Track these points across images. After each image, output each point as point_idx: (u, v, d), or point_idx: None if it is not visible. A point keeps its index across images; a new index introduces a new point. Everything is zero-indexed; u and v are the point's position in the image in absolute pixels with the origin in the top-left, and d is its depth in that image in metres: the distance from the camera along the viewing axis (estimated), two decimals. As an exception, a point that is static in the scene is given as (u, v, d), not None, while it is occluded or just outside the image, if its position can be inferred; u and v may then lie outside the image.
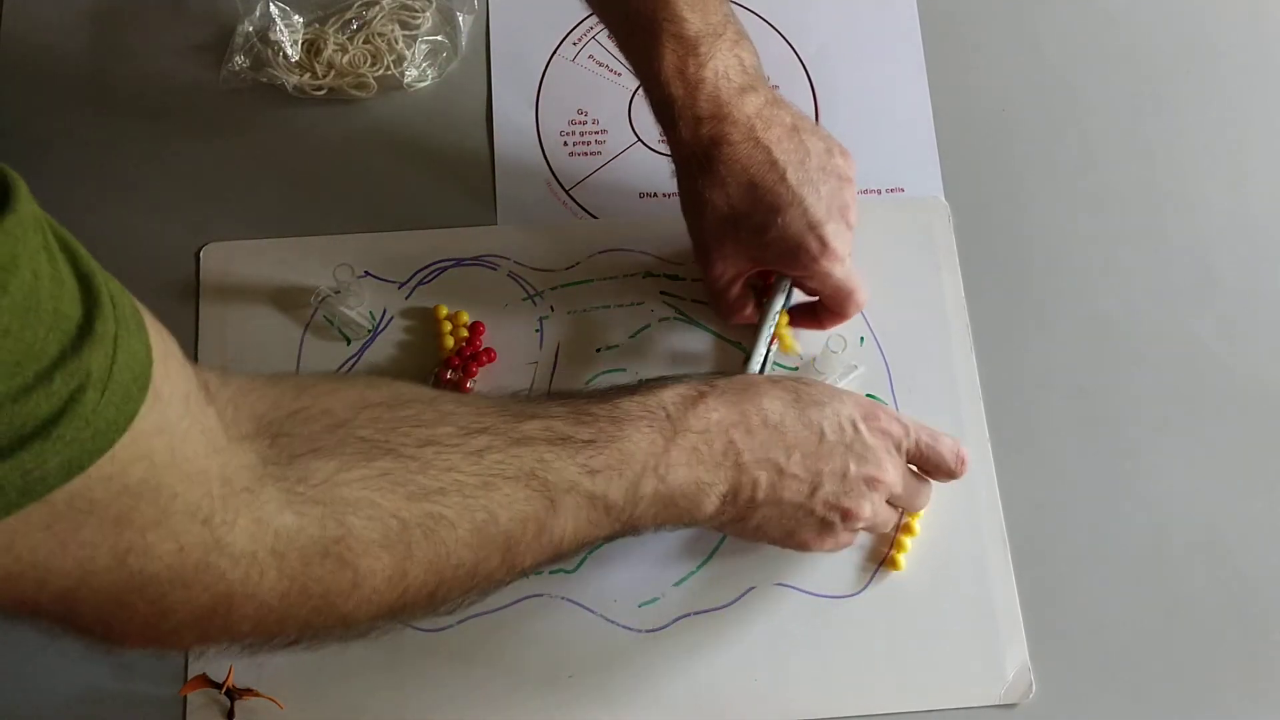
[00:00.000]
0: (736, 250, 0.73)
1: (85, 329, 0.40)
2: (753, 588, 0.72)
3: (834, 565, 0.73)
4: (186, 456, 0.45)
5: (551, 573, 0.72)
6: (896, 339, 0.79)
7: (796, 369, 0.78)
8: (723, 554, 0.73)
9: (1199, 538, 0.75)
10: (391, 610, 0.54)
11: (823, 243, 0.71)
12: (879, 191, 0.83)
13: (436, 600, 0.56)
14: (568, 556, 0.61)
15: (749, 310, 0.76)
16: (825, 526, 0.67)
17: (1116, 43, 0.88)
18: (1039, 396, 0.78)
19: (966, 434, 0.76)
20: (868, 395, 0.77)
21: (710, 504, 0.63)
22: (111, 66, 0.86)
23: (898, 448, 0.68)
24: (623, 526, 0.61)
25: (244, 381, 0.52)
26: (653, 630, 0.72)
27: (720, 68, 0.70)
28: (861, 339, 0.79)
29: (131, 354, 0.42)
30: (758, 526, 0.66)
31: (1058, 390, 0.78)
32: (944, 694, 0.71)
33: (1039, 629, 0.72)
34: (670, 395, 0.63)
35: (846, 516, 0.66)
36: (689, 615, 0.72)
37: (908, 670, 0.71)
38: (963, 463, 0.70)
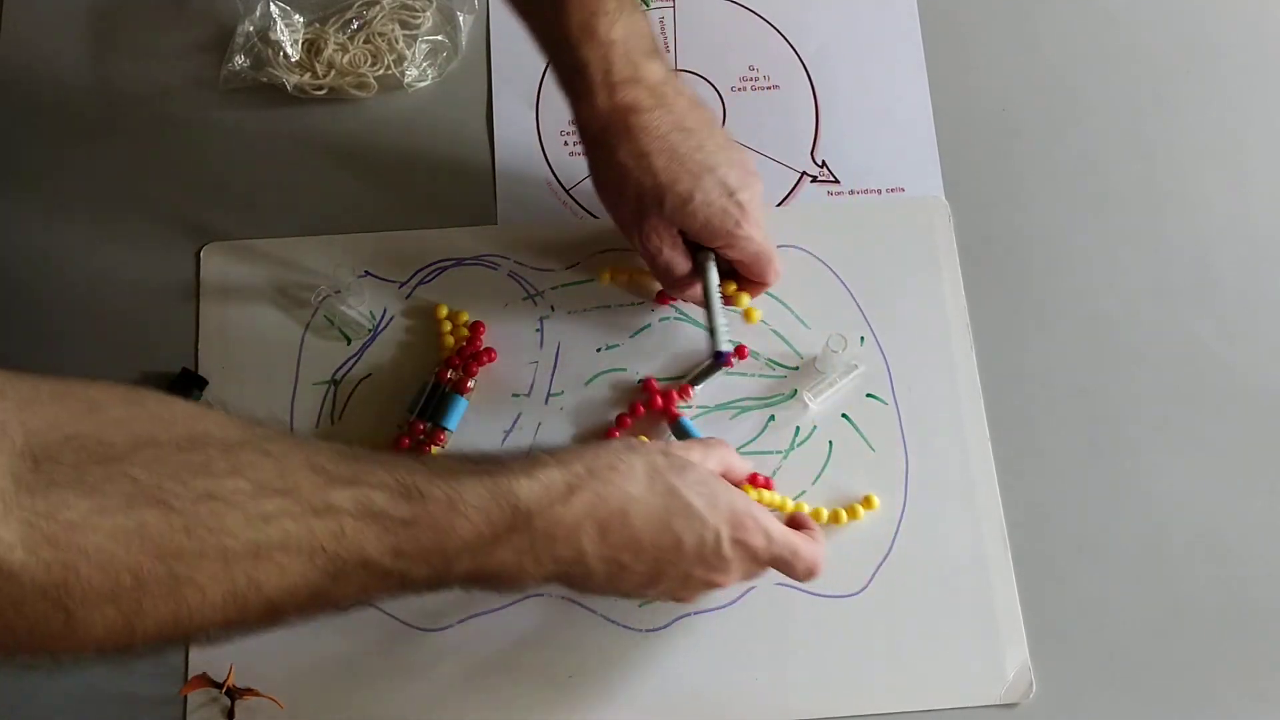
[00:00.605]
0: (661, 223, 0.72)
1: None
2: (753, 588, 0.72)
3: (834, 565, 0.73)
4: None
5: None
6: (896, 339, 0.79)
7: (797, 369, 0.78)
8: (723, 554, 0.73)
9: (1199, 538, 0.75)
10: (113, 655, 0.51)
11: (741, 208, 0.71)
12: (879, 191, 0.83)
13: (169, 647, 0.54)
14: (348, 612, 0.58)
15: (689, 280, 0.74)
16: (650, 600, 0.70)
17: (1117, 43, 0.88)
18: (1039, 396, 0.78)
19: (966, 434, 0.76)
20: (868, 395, 0.77)
21: (530, 584, 0.61)
22: (111, 66, 0.86)
23: (755, 561, 0.66)
24: (421, 593, 0.59)
25: (27, 390, 0.50)
26: (653, 630, 0.72)
27: (630, 28, 0.70)
28: (861, 339, 0.79)
29: None
30: (584, 593, 0.69)
31: (1058, 390, 0.78)
32: (944, 694, 0.71)
33: (1039, 629, 0.72)
34: (531, 487, 0.59)
35: (679, 601, 0.69)
36: (689, 615, 0.72)
37: (908, 670, 0.71)
38: (810, 575, 0.67)
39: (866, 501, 0.74)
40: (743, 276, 0.75)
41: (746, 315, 0.76)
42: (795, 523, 0.70)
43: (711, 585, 0.65)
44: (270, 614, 0.54)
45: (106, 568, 0.48)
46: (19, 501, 0.46)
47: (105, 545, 0.48)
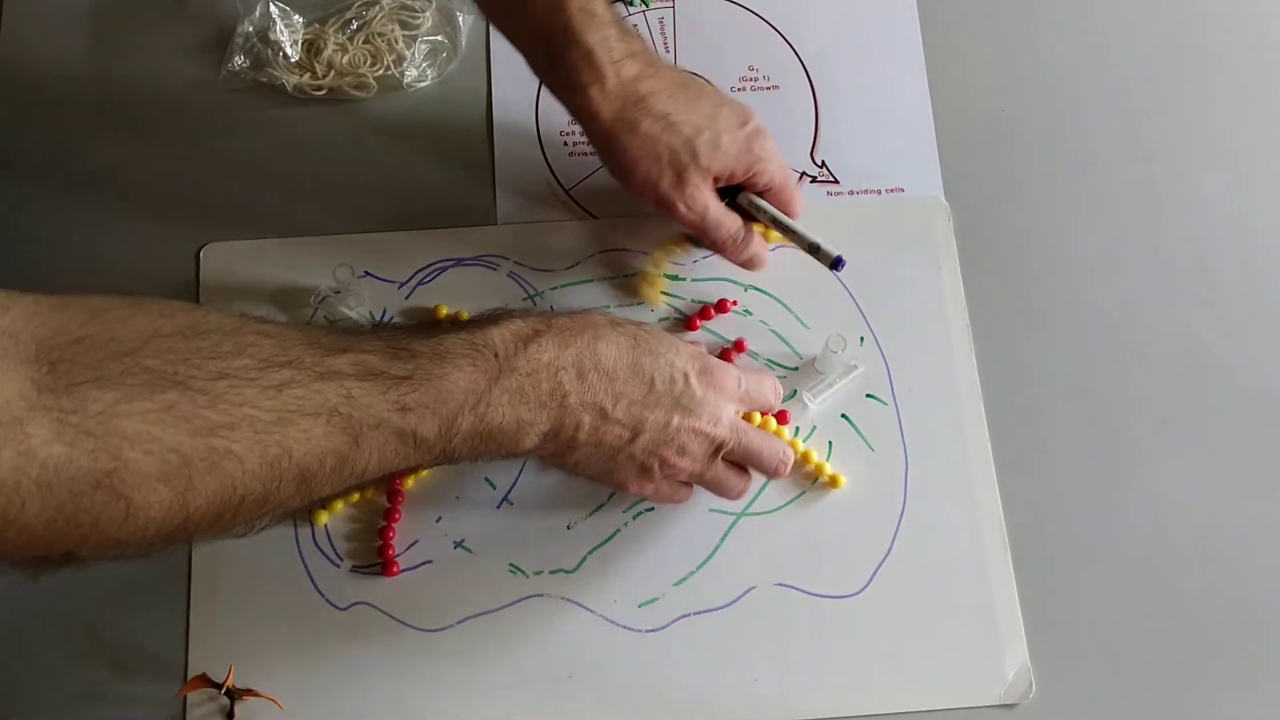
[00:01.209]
0: (699, 176, 0.73)
1: None
2: (753, 588, 0.73)
3: (835, 565, 0.73)
4: None
5: (552, 573, 0.73)
6: (896, 339, 0.79)
7: (797, 369, 0.78)
8: (723, 554, 0.73)
9: (1199, 538, 0.75)
10: (171, 535, 0.54)
11: (758, 132, 0.75)
12: (879, 191, 0.83)
13: (223, 524, 0.56)
14: (374, 483, 0.61)
15: (746, 229, 0.76)
16: (644, 471, 0.68)
17: (1116, 43, 0.88)
18: (1039, 396, 0.78)
19: (966, 434, 0.76)
20: (868, 396, 0.77)
21: (530, 441, 0.63)
22: (111, 66, 0.86)
23: (730, 400, 0.69)
24: (435, 459, 0.61)
25: (29, 304, 0.51)
26: (653, 630, 0.72)
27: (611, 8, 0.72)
28: (861, 339, 0.79)
29: None
30: (576, 463, 0.67)
31: (1058, 390, 0.78)
32: (944, 694, 0.71)
33: (1039, 629, 0.72)
34: (501, 333, 0.63)
35: (664, 465, 0.68)
36: (689, 615, 0.72)
37: (908, 670, 0.71)
38: (778, 396, 0.72)
39: (833, 480, 0.75)
40: (777, 201, 0.77)
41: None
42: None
43: (697, 436, 0.67)
44: (303, 483, 0.56)
45: (151, 449, 0.50)
46: (43, 403, 0.48)
47: (142, 429, 0.50)
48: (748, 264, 0.77)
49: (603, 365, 0.64)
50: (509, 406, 0.62)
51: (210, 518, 0.54)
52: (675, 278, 0.80)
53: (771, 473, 0.71)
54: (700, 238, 0.76)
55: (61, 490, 0.49)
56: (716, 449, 0.68)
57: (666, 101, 0.72)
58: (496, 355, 0.62)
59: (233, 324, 0.57)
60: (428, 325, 0.63)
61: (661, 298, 0.79)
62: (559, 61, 0.72)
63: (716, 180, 0.75)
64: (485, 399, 0.61)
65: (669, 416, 0.66)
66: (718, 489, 0.71)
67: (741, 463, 0.70)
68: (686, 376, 0.67)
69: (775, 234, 0.77)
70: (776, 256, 0.80)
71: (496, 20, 0.77)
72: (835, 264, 0.73)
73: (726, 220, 0.75)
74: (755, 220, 0.77)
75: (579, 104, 0.73)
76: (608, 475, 0.68)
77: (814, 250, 0.74)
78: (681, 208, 0.73)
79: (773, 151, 0.76)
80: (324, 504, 0.73)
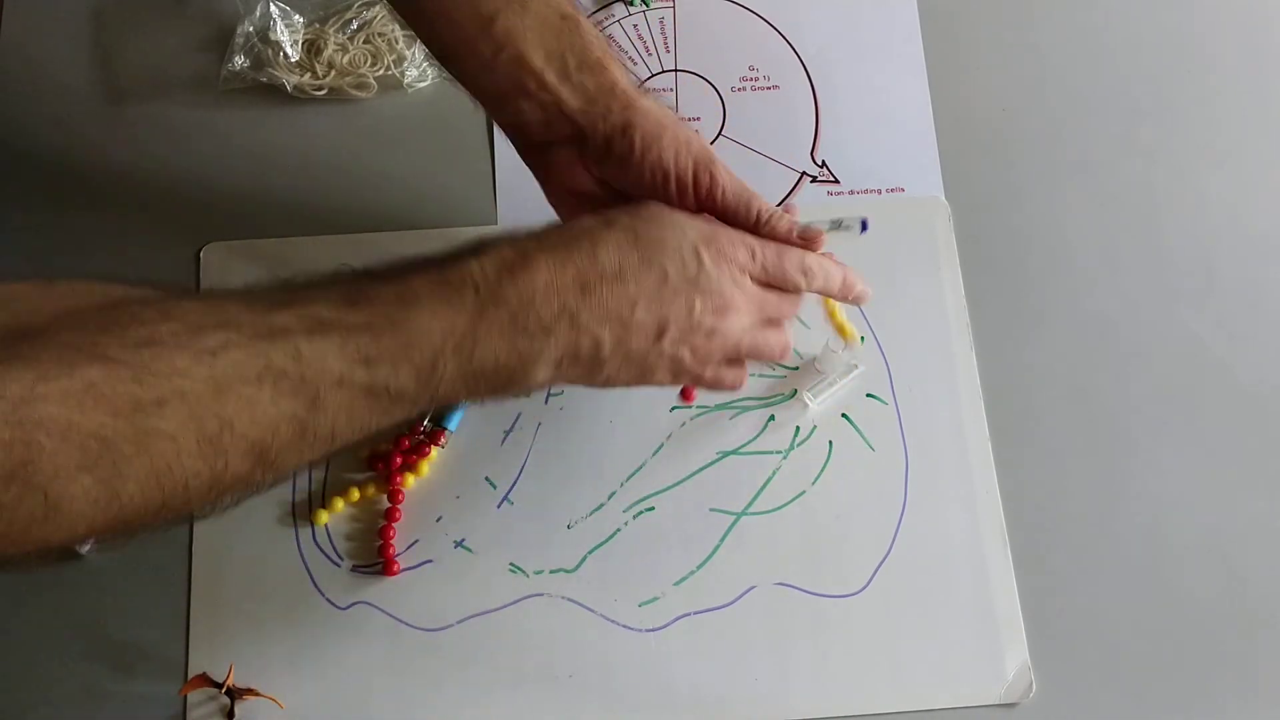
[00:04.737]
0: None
1: None
2: (753, 587, 0.73)
3: (834, 565, 0.73)
4: None
5: (552, 572, 0.72)
6: (896, 339, 0.79)
7: (797, 369, 0.78)
8: (723, 553, 0.73)
9: (1199, 538, 0.75)
10: (109, 528, 0.49)
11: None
12: (879, 191, 0.83)
13: (171, 512, 0.51)
14: (350, 447, 0.55)
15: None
16: (677, 364, 0.62)
17: (1116, 43, 0.88)
18: (1039, 396, 0.78)
19: (966, 434, 0.76)
20: (868, 395, 0.77)
21: (542, 372, 0.58)
22: (111, 66, 0.86)
23: (744, 272, 0.63)
24: (423, 409, 0.57)
25: None
26: (653, 630, 0.72)
27: None
28: (862, 339, 0.79)
29: None
30: (607, 379, 0.61)
31: (1058, 390, 0.78)
32: (944, 694, 0.71)
33: (1039, 629, 0.72)
34: (481, 265, 0.56)
35: (695, 352, 0.62)
36: (689, 615, 0.72)
37: (908, 670, 0.71)
38: (807, 275, 0.65)
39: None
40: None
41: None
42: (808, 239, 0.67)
43: (721, 314, 0.62)
44: (258, 457, 0.51)
45: (69, 435, 0.46)
46: None
47: (59, 413, 0.45)
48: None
49: (609, 272, 0.58)
50: (503, 340, 0.56)
51: (151, 507, 0.49)
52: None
53: (823, 289, 0.66)
54: (734, 214, 0.68)
55: None
56: (743, 320, 0.64)
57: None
58: (477, 289, 0.56)
59: (159, 294, 0.52)
60: (398, 266, 0.57)
61: None
62: (568, 44, 0.67)
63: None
64: (471, 337, 0.55)
65: (690, 302, 0.61)
66: (757, 355, 0.66)
67: (775, 317, 0.66)
68: (699, 254, 0.61)
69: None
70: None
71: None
72: (863, 227, 0.70)
73: (758, 195, 0.68)
74: None
75: (597, 82, 0.67)
76: (642, 379, 0.63)
77: (837, 226, 0.71)
78: (721, 169, 0.67)
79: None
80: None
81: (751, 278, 0.64)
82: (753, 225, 0.67)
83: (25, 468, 0.45)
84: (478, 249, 0.58)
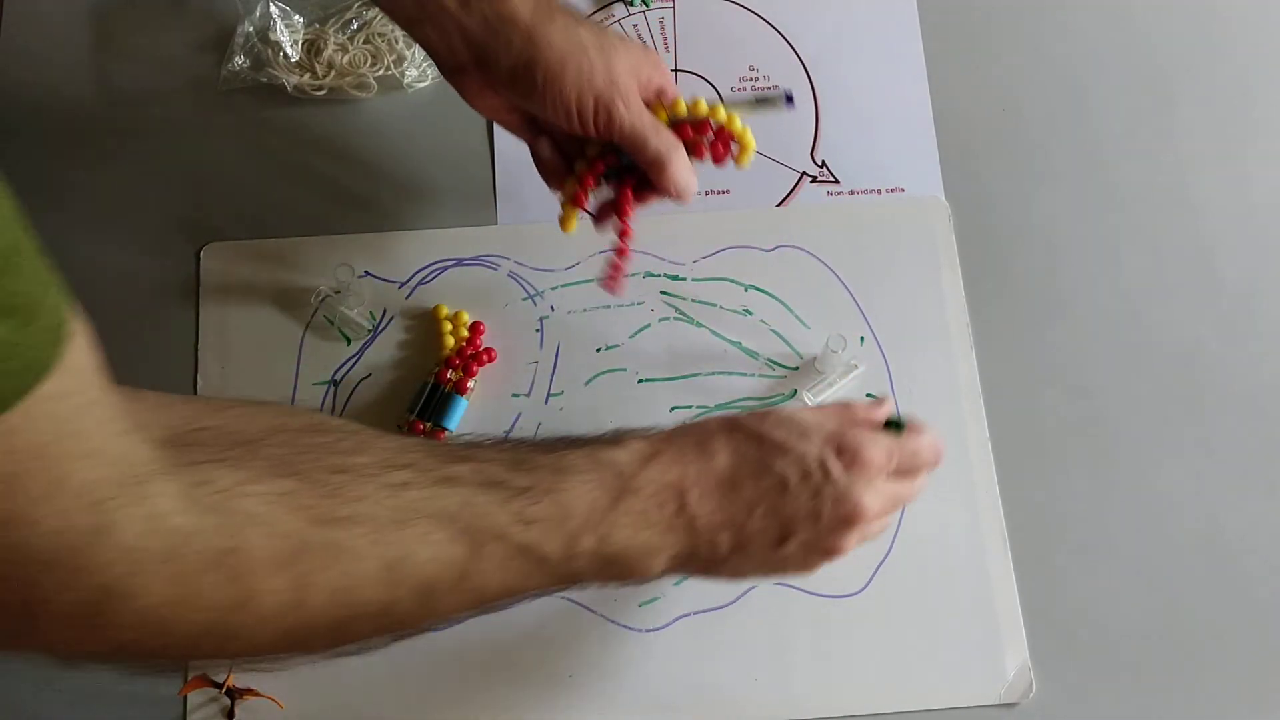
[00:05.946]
0: (629, 77, 0.68)
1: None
2: (753, 588, 0.72)
3: (834, 564, 0.73)
4: (90, 432, 0.43)
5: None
6: (896, 339, 0.79)
7: (797, 369, 0.78)
8: (723, 554, 0.73)
9: (1199, 538, 0.75)
10: (289, 637, 0.50)
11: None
12: (879, 191, 0.83)
13: (341, 635, 0.52)
14: (494, 608, 0.57)
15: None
16: (809, 561, 0.62)
17: (1117, 42, 0.88)
18: (1039, 396, 0.78)
19: (967, 434, 0.76)
20: (867, 395, 0.77)
21: (659, 565, 0.59)
22: (111, 67, 0.86)
23: (880, 472, 0.62)
24: (559, 581, 0.58)
25: (157, 397, 0.51)
26: (653, 630, 0.72)
27: None
28: (861, 339, 0.79)
29: (53, 310, 0.41)
30: (735, 572, 0.62)
31: (1058, 390, 0.78)
32: (944, 694, 0.71)
33: (1039, 629, 0.72)
34: (622, 453, 0.59)
35: (830, 552, 0.62)
36: (689, 615, 0.72)
37: (908, 670, 0.71)
38: (939, 456, 0.65)
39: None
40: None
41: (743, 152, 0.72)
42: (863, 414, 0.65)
43: (852, 519, 0.60)
44: (425, 596, 0.53)
45: (271, 533, 0.48)
46: (173, 472, 0.46)
47: (264, 510, 0.48)
48: (679, 191, 0.69)
49: (724, 478, 0.59)
50: (632, 529, 0.57)
51: (327, 624, 0.51)
52: (675, 278, 0.80)
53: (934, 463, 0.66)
54: (633, 150, 0.69)
55: (184, 566, 0.45)
56: (876, 514, 0.62)
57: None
58: (619, 474, 0.58)
59: (355, 426, 0.56)
60: (550, 440, 0.60)
61: (574, 227, 0.73)
62: None
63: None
64: (608, 519, 0.57)
65: (816, 508, 0.60)
66: (897, 508, 0.65)
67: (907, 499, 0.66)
68: (824, 465, 0.60)
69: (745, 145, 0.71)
70: (778, 256, 0.80)
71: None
72: (788, 99, 0.70)
73: (664, 130, 0.69)
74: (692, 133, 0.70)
75: (496, 12, 0.66)
76: (771, 576, 0.64)
77: (763, 103, 0.70)
78: (620, 106, 0.67)
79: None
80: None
81: (886, 475, 0.63)
82: (648, 164, 0.68)
83: (230, 555, 0.46)
84: (619, 438, 0.60)
